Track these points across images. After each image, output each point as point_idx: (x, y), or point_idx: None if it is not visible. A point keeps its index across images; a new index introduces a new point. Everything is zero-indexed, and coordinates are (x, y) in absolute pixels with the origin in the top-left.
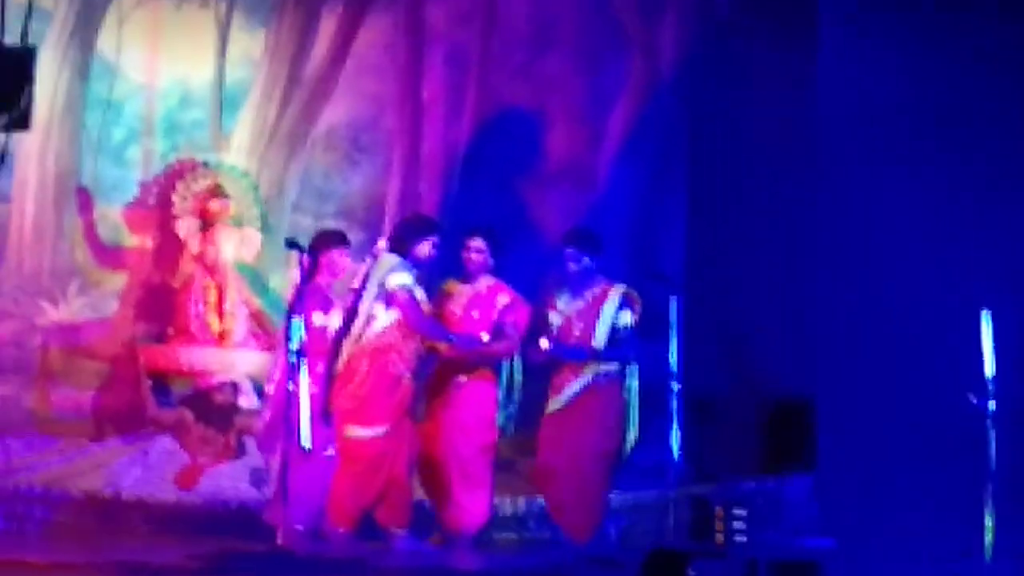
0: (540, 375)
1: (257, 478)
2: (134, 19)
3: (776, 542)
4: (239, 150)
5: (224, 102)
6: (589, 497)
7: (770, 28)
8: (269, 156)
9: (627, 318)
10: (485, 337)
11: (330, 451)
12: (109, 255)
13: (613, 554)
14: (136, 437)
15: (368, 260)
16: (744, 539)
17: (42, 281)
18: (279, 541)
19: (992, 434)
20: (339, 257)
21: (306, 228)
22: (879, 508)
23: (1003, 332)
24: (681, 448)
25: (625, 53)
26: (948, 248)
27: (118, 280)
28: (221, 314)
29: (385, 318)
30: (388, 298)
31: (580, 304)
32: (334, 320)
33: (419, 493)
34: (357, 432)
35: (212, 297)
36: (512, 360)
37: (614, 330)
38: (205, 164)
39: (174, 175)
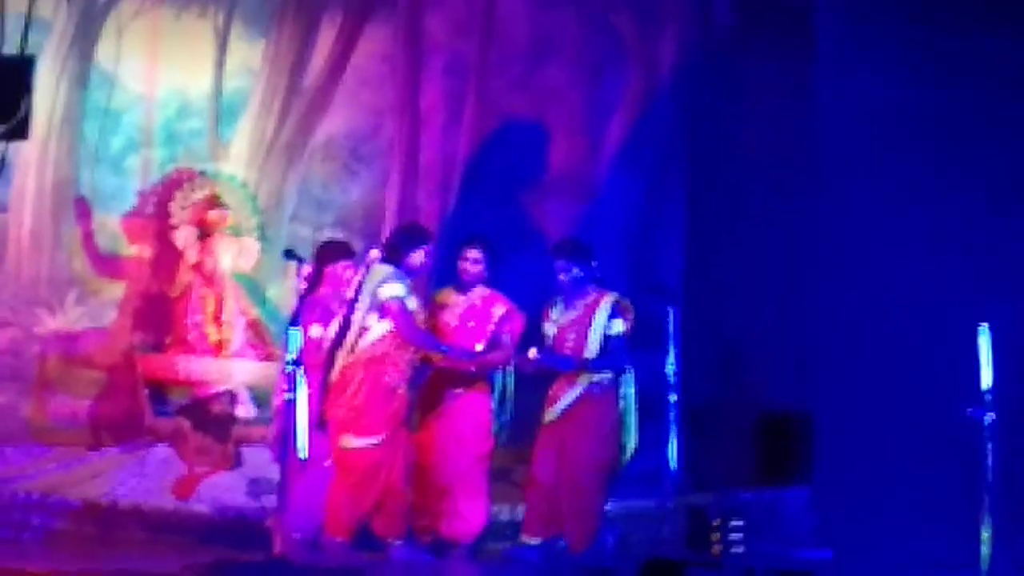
0: (539, 386)
1: (255, 488)
2: (133, 29)
3: (773, 553)
4: (237, 160)
5: (222, 112)
6: (585, 507)
7: (768, 39)
8: (268, 166)
9: (619, 326)
10: (479, 348)
11: (329, 462)
12: (107, 264)
13: (610, 563)
14: (133, 446)
15: (361, 270)
16: (741, 549)
17: (40, 290)
18: (276, 550)
19: (989, 446)
20: (343, 270)
21: (304, 238)
22: (876, 519)
23: (1001, 344)
24: (678, 458)
25: (624, 64)
26: (946, 260)
27: (116, 289)
28: (219, 324)
29: (378, 329)
30: (381, 309)
31: (573, 314)
32: (331, 332)
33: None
34: (353, 442)
35: (210, 307)
36: (505, 370)
37: (606, 339)
38: (203, 174)
39: (172, 185)
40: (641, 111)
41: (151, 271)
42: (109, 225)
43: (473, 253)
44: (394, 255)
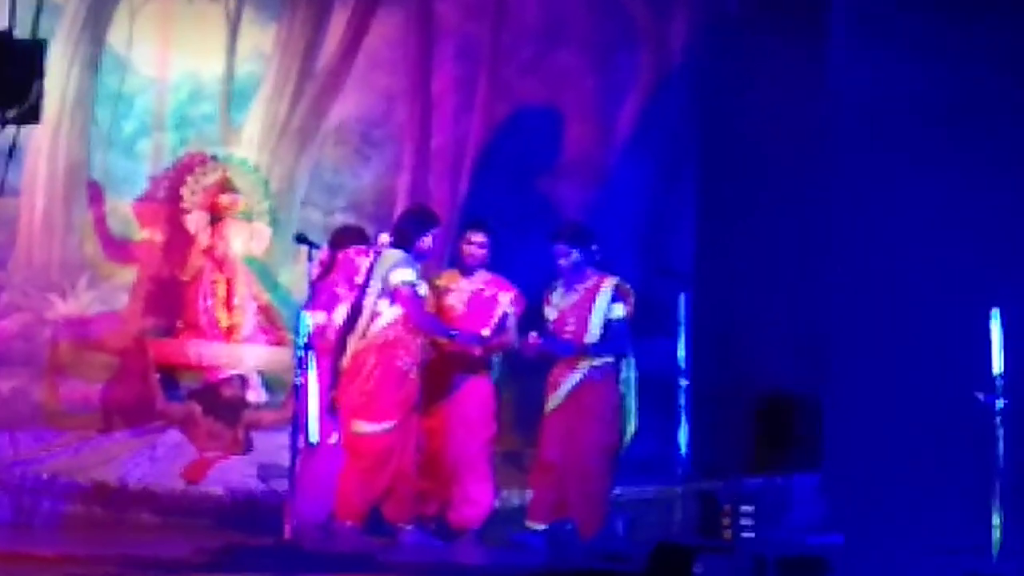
0: (541, 372)
1: (265, 472)
2: (145, 13)
3: (784, 538)
4: (249, 144)
5: (234, 96)
6: (594, 492)
7: (780, 23)
8: (279, 150)
9: (620, 310)
10: (486, 333)
11: (334, 438)
12: (119, 249)
13: (620, 549)
14: (144, 430)
15: (371, 255)
16: (752, 535)
17: (51, 275)
18: (287, 535)
19: (1000, 431)
20: (354, 255)
21: (316, 223)
22: (887, 505)
23: (1012, 329)
24: (688, 444)
25: (635, 47)
26: (958, 245)
27: (128, 274)
28: (230, 308)
29: (390, 314)
30: (392, 294)
31: (573, 298)
32: (337, 318)
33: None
34: (364, 427)
35: (221, 291)
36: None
37: (607, 323)
38: (215, 158)
39: (184, 169)
40: (653, 95)
41: (163, 256)
42: (121, 209)
43: (478, 237)
44: (404, 240)
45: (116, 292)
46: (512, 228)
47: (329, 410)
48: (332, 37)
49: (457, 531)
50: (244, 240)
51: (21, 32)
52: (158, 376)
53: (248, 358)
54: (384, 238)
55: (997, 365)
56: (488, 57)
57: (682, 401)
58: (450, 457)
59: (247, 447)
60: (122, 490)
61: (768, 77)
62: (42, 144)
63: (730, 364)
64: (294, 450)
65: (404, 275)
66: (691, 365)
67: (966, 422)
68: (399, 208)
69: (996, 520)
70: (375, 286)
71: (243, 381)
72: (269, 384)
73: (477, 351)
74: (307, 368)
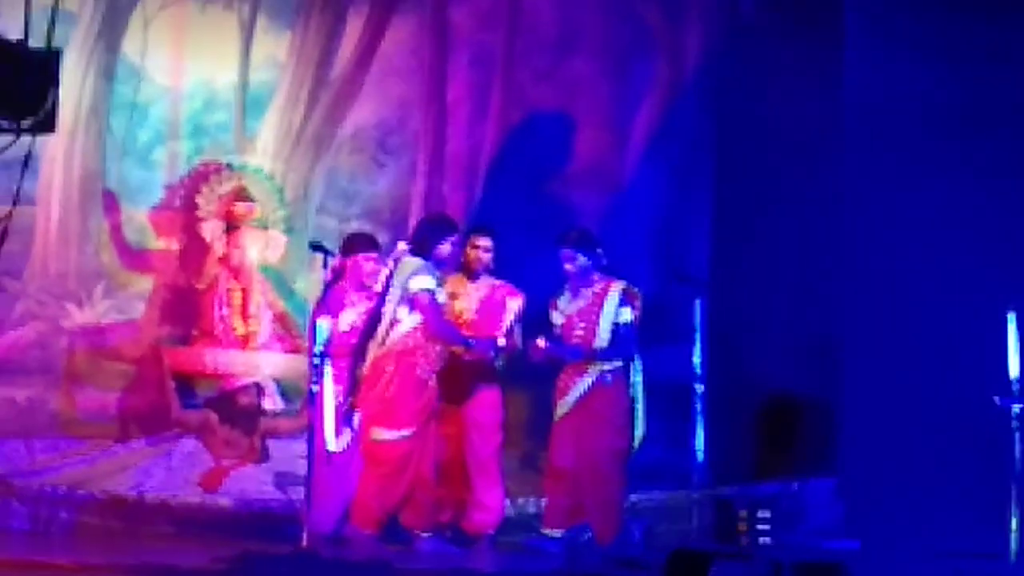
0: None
1: (282, 480)
2: (159, 21)
3: (800, 544)
4: (264, 152)
5: (249, 104)
6: (609, 497)
7: (795, 28)
8: (294, 158)
9: (628, 314)
10: (502, 341)
11: (346, 438)
12: (135, 257)
13: (637, 555)
14: (161, 439)
15: (389, 262)
16: (768, 541)
17: (68, 283)
18: (304, 543)
19: (1017, 435)
20: (364, 261)
21: (331, 230)
22: (903, 510)
23: None
24: (705, 449)
25: (650, 54)
26: (974, 248)
27: (144, 282)
28: (246, 317)
29: (409, 321)
30: (411, 301)
31: (581, 303)
32: (343, 323)
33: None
34: (383, 435)
35: (237, 300)
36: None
37: (616, 327)
38: (230, 166)
39: (199, 178)
40: (667, 101)
41: (178, 264)
42: (136, 218)
43: (484, 241)
44: (422, 247)
45: (132, 301)
46: (526, 234)
47: (345, 417)
48: (347, 45)
49: (472, 537)
50: (260, 248)
51: (36, 41)
52: (174, 384)
53: (264, 366)
54: (402, 246)
55: (1014, 369)
56: (503, 64)
57: (698, 407)
58: (468, 463)
59: (263, 455)
60: (139, 499)
61: (783, 84)
62: (57, 153)
63: (745, 369)
64: (311, 458)
65: (423, 282)
66: (707, 370)
67: (982, 426)
68: (414, 215)
69: (1013, 524)
70: (395, 293)
71: (259, 389)
72: (285, 392)
73: (491, 359)
74: (323, 375)
